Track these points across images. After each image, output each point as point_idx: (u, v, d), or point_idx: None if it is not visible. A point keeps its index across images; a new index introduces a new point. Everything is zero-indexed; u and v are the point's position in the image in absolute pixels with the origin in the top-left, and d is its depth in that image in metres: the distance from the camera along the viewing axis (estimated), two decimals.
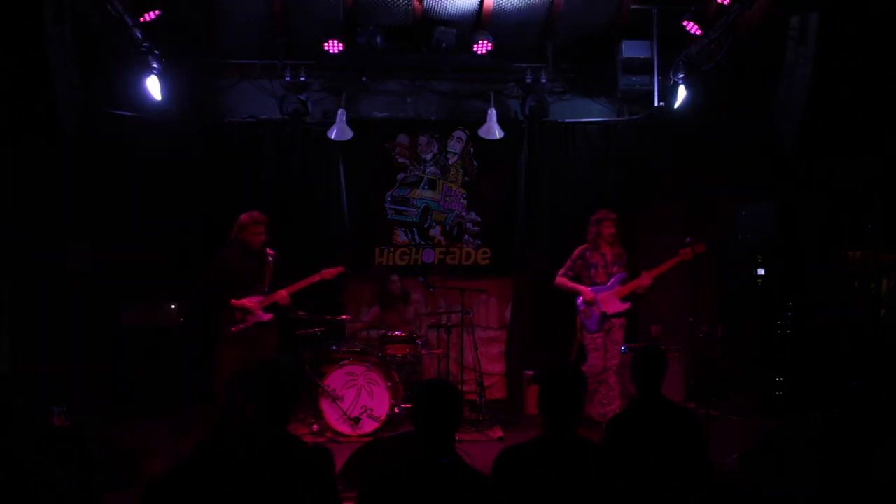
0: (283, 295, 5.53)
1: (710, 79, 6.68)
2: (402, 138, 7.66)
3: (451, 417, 2.45)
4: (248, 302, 5.39)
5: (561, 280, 6.19)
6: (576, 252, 6.19)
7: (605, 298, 6.01)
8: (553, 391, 2.74)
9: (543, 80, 7.25)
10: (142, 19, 6.06)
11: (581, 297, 6.09)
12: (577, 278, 6.15)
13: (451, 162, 7.70)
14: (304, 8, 6.90)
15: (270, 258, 5.56)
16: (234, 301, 5.37)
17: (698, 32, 6.34)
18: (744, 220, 7.31)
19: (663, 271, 5.97)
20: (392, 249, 7.64)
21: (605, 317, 6.00)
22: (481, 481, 2.42)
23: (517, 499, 2.57)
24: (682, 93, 6.76)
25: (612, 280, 6.03)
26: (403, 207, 7.68)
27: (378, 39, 6.84)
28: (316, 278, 5.68)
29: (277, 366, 2.82)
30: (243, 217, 5.51)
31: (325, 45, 6.77)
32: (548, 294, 7.45)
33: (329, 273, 5.74)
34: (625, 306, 6.01)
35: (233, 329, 5.35)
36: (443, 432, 2.42)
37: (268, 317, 5.48)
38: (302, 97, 7.19)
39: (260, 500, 2.47)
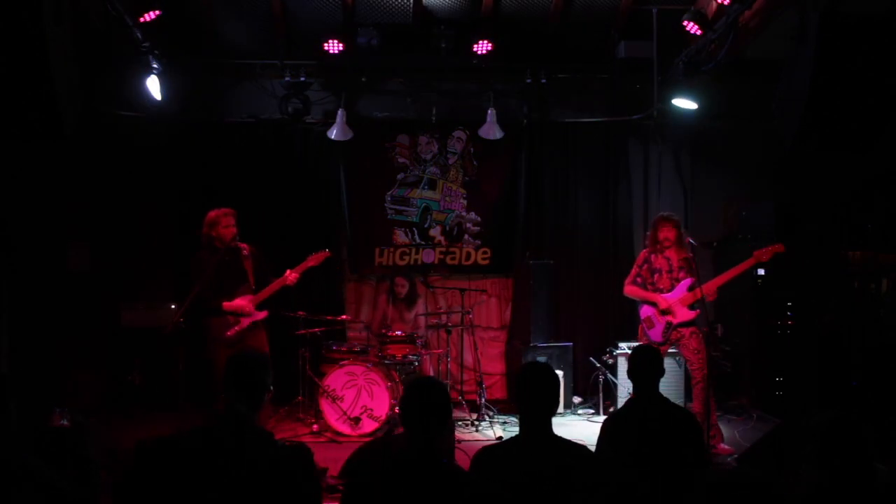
0: (293, 277, 5.43)
1: (710, 79, 6.68)
2: (402, 138, 7.66)
3: (443, 414, 2.46)
4: (241, 302, 5.30)
5: (631, 288, 5.76)
6: (640, 256, 5.82)
7: (673, 308, 5.60)
8: (525, 389, 2.72)
9: (543, 81, 7.25)
10: (142, 19, 6.06)
11: (646, 306, 5.67)
12: (641, 285, 5.75)
13: (451, 162, 7.70)
14: (304, 8, 6.90)
15: (247, 252, 5.38)
16: (225, 305, 5.26)
17: (698, 32, 6.34)
18: (744, 220, 7.32)
19: (733, 276, 5.54)
20: (392, 249, 7.64)
21: (670, 326, 5.56)
22: (469, 480, 2.42)
23: (493, 498, 2.56)
24: (682, 93, 6.76)
25: (678, 287, 5.60)
26: (403, 207, 7.68)
27: (378, 39, 6.84)
28: (303, 267, 5.52)
29: (243, 359, 2.85)
30: (211, 214, 5.34)
31: (325, 45, 6.77)
32: (547, 294, 7.49)
33: (316, 259, 5.60)
34: (692, 314, 5.53)
35: (228, 333, 5.24)
36: (435, 430, 2.42)
37: (262, 314, 5.40)
38: (302, 97, 7.19)
39: (222, 491, 2.50)
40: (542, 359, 6.94)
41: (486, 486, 2.52)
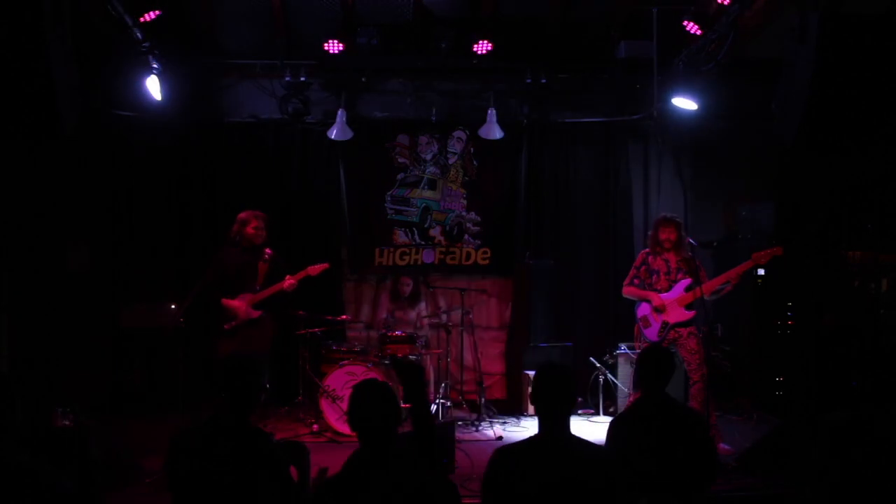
0: (290, 283, 5.55)
1: (710, 79, 6.68)
2: (402, 138, 7.66)
3: (393, 415, 2.47)
4: (237, 303, 5.45)
5: (628, 289, 5.74)
6: (638, 258, 5.79)
7: (667, 306, 5.55)
8: (543, 389, 2.72)
9: (543, 80, 7.25)
10: (142, 19, 6.05)
11: (643, 304, 5.63)
12: (639, 286, 5.71)
13: (451, 162, 7.70)
14: (304, 8, 6.90)
15: (267, 256, 5.58)
16: (224, 301, 5.44)
17: (698, 32, 6.34)
18: (744, 220, 7.32)
19: (732, 276, 5.44)
20: (392, 249, 7.64)
21: (666, 326, 5.53)
22: (429, 480, 2.43)
23: (511, 498, 2.56)
24: (682, 93, 6.77)
25: (675, 287, 5.57)
26: (403, 207, 7.68)
27: (378, 39, 6.84)
28: (301, 275, 5.67)
29: (237, 361, 2.87)
30: (243, 214, 5.58)
31: (325, 45, 6.77)
32: (547, 294, 7.49)
33: (314, 269, 5.74)
34: (689, 315, 5.48)
35: (225, 326, 5.43)
36: (387, 430, 2.43)
37: (256, 314, 5.49)
38: (302, 97, 7.19)
39: (221, 489, 2.52)
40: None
41: (504, 487, 2.52)
